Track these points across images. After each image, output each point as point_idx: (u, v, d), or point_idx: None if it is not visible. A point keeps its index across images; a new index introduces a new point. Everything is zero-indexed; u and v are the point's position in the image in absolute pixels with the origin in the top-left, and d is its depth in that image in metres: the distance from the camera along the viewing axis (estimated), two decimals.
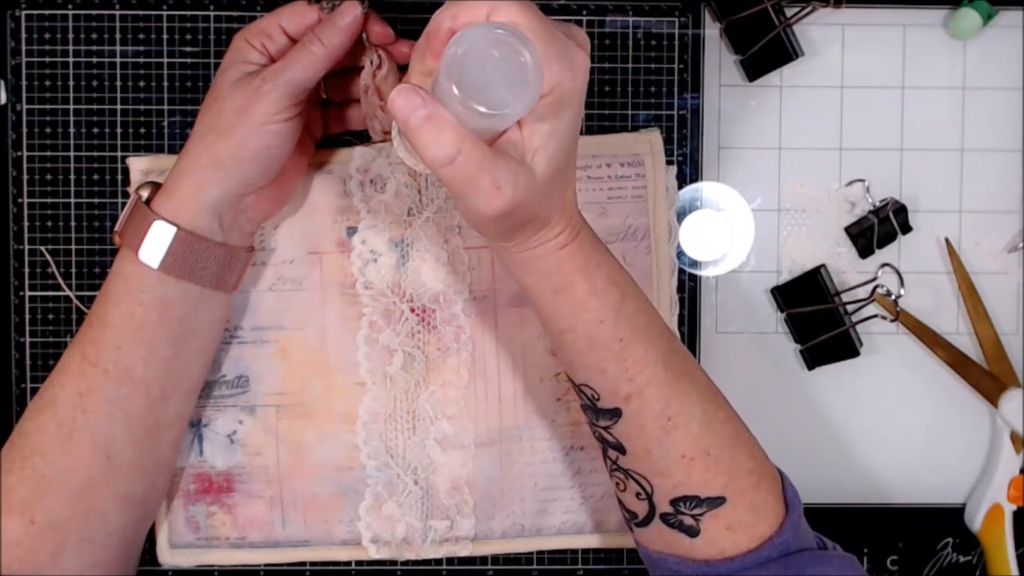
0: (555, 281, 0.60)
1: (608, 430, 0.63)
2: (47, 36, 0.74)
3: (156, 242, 0.64)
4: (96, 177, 0.75)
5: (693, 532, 0.62)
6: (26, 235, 0.75)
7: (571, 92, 0.55)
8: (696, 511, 0.61)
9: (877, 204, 0.76)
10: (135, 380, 0.65)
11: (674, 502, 0.62)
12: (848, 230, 0.77)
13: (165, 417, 0.67)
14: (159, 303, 0.65)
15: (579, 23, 0.75)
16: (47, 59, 0.74)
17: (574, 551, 0.76)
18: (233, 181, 0.65)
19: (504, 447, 0.75)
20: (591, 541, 0.76)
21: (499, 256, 0.63)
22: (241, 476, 0.75)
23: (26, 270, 0.75)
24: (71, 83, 0.75)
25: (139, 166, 0.74)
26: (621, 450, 0.63)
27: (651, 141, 0.74)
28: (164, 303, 0.65)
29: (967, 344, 0.77)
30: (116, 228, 0.67)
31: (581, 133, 0.74)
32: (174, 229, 0.64)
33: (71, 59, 0.74)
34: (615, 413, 0.62)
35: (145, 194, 0.66)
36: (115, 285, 0.65)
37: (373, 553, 0.75)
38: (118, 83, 0.75)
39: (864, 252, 0.76)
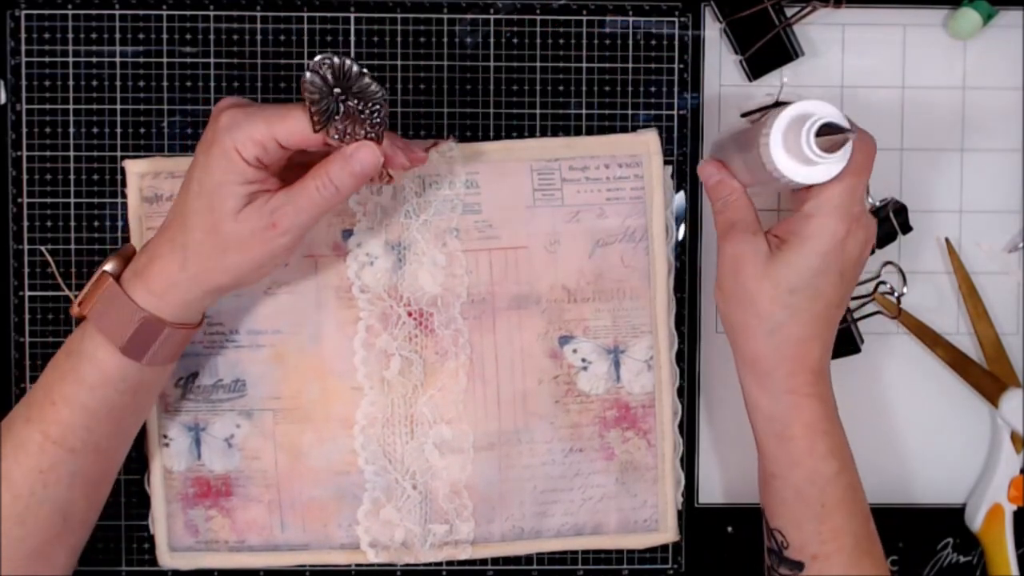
0: (778, 428, 0.64)
1: None
2: (47, 36, 0.73)
3: (144, 339, 0.62)
4: (96, 177, 0.73)
5: None
6: (26, 235, 0.73)
7: (808, 229, 0.62)
8: None
9: (877, 204, 0.74)
10: (100, 452, 0.64)
11: None
12: None
13: (115, 469, 0.67)
14: (135, 387, 0.64)
15: (579, 23, 0.74)
16: (47, 59, 0.73)
17: (574, 552, 0.75)
18: (233, 284, 0.63)
19: (503, 450, 0.73)
20: (590, 543, 0.74)
21: (744, 393, 0.67)
22: (239, 480, 0.73)
23: (26, 270, 0.73)
24: (71, 83, 0.73)
25: (136, 168, 0.72)
26: None
27: (649, 142, 0.73)
28: (140, 385, 0.65)
29: (967, 344, 0.75)
30: (85, 312, 0.63)
31: (581, 133, 0.73)
32: (165, 329, 0.62)
33: (71, 59, 0.73)
34: (798, 566, 0.64)
35: (110, 267, 0.63)
36: (88, 371, 0.62)
37: (372, 557, 0.73)
38: (118, 83, 0.73)
39: None
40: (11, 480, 0.62)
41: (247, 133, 0.59)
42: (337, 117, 0.59)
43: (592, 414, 0.74)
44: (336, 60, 0.59)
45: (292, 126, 0.59)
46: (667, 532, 0.74)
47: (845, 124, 0.62)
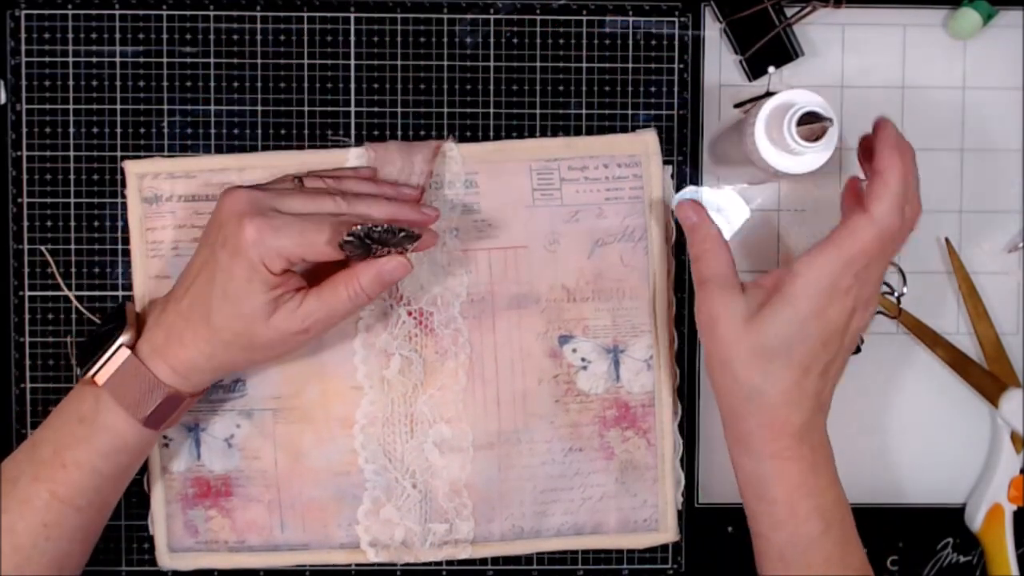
0: (759, 490, 0.63)
1: None
2: (47, 36, 0.72)
3: (165, 411, 0.64)
4: (96, 177, 0.73)
5: None
6: (26, 235, 0.73)
7: (790, 289, 0.60)
8: None
9: None
10: (103, 507, 0.66)
11: None
12: None
13: (108, 517, 0.67)
14: (145, 448, 0.66)
15: (579, 23, 0.73)
16: (47, 59, 0.72)
17: (574, 552, 0.74)
18: (255, 369, 0.71)
19: (503, 449, 0.73)
20: (590, 542, 0.74)
21: (728, 449, 0.66)
22: (239, 480, 0.73)
23: (26, 270, 0.73)
24: (71, 83, 0.73)
25: (135, 169, 0.72)
26: None
27: (648, 141, 0.73)
28: (149, 445, 0.67)
29: (967, 344, 0.75)
30: (100, 382, 0.63)
31: (581, 133, 0.73)
32: (185, 399, 0.64)
33: (71, 59, 0.72)
34: None
35: (125, 339, 0.63)
36: (104, 440, 0.63)
37: (372, 557, 0.73)
38: (118, 83, 0.73)
39: None
40: (14, 532, 0.62)
41: (275, 250, 0.60)
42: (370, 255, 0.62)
43: (592, 413, 0.73)
44: (369, 228, 0.61)
45: (321, 250, 0.61)
46: (667, 532, 0.74)
47: (827, 113, 0.62)
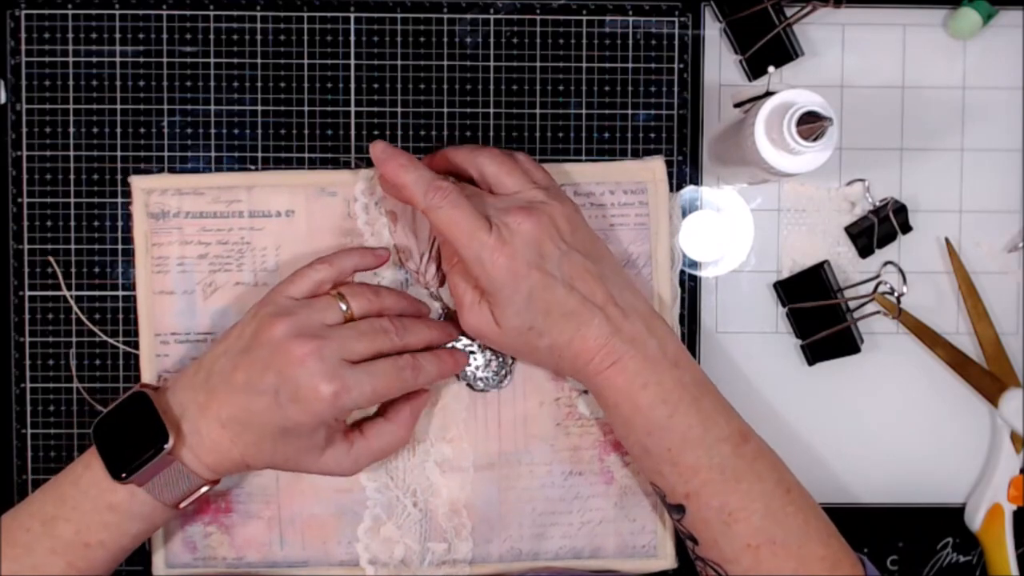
0: (603, 400, 0.65)
1: (679, 522, 0.65)
2: (47, 36, 0.72)
3: (200, 498, 0.65)
4: (96, 177, 0.72)
5: None
6: (26, 235, 0.72)
7: (485, 280, 0.63)
8: None
9: (877, 204, 0.73)
10: (114, 569, 0.65)
11: None
12: (848, 230, 0.74)
13: None
14: (171, 521, 0.68)
15: (579, 23, 0.73)
16: (47, 59, 0.72)
17: None
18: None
19: (503, 471, 0.72)
20: (588, 566, 0.73)
21: None
22: (240, 496, 0.72)
23: (26, 270, 0.72)
24: (71, 83, 0.72)
25: (142, 184, 0.71)
26: (694, 540, 0.65)
27: (655, 169, 0.72)
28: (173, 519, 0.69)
29: (967, 344, 0.74)
30: (136, 480, 0.62)
31: (581, 133, 0.73)
32: (214, 485, 0.65)
33: (71, 59, 0.72)
34: (680, 509, 0.64)
35: (170, 445, 0.62)
36: (137, 526, 0.64)
37: (371, 574, 0.72)
38: (118, 83, 0.72)
39: (864, 252, 0.74)
40: None
41: (349, 408, 0.63)
42: None
43: (592, 437, 0.72)
44: None
45: (389, 389, 0.65)
46: (665, 559, 0.73)
47: (827, 112, 0.62)
